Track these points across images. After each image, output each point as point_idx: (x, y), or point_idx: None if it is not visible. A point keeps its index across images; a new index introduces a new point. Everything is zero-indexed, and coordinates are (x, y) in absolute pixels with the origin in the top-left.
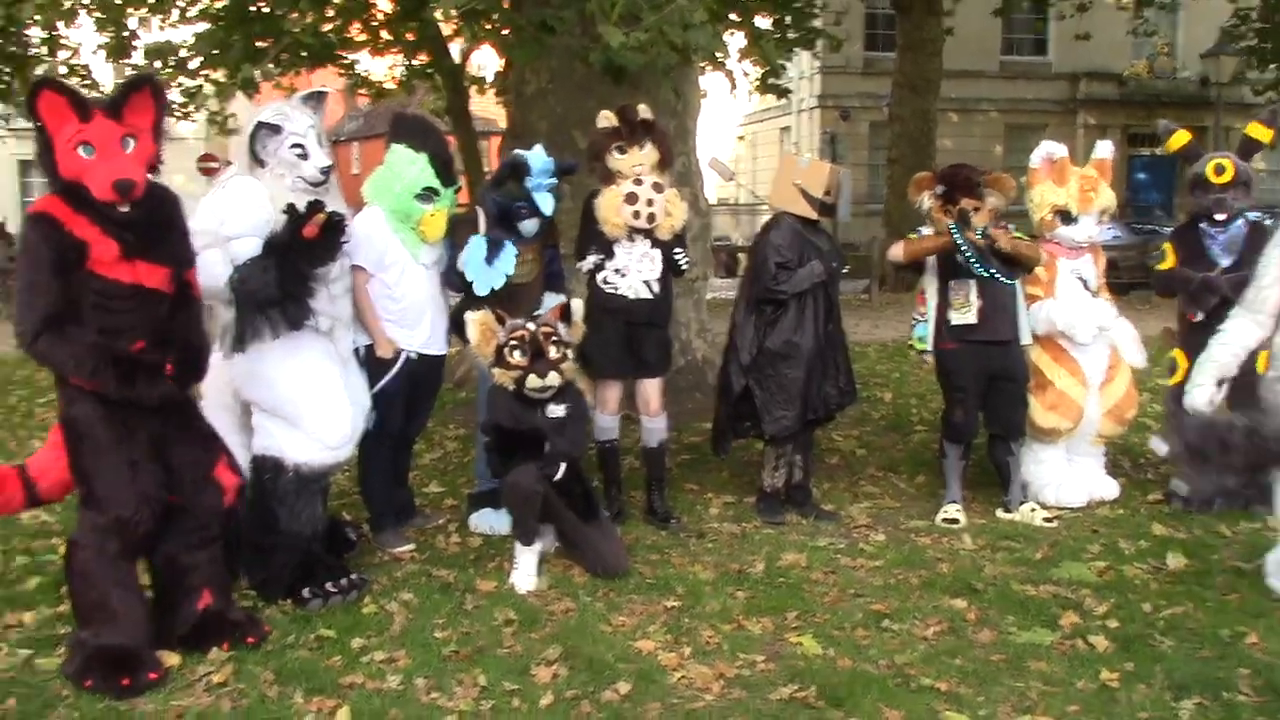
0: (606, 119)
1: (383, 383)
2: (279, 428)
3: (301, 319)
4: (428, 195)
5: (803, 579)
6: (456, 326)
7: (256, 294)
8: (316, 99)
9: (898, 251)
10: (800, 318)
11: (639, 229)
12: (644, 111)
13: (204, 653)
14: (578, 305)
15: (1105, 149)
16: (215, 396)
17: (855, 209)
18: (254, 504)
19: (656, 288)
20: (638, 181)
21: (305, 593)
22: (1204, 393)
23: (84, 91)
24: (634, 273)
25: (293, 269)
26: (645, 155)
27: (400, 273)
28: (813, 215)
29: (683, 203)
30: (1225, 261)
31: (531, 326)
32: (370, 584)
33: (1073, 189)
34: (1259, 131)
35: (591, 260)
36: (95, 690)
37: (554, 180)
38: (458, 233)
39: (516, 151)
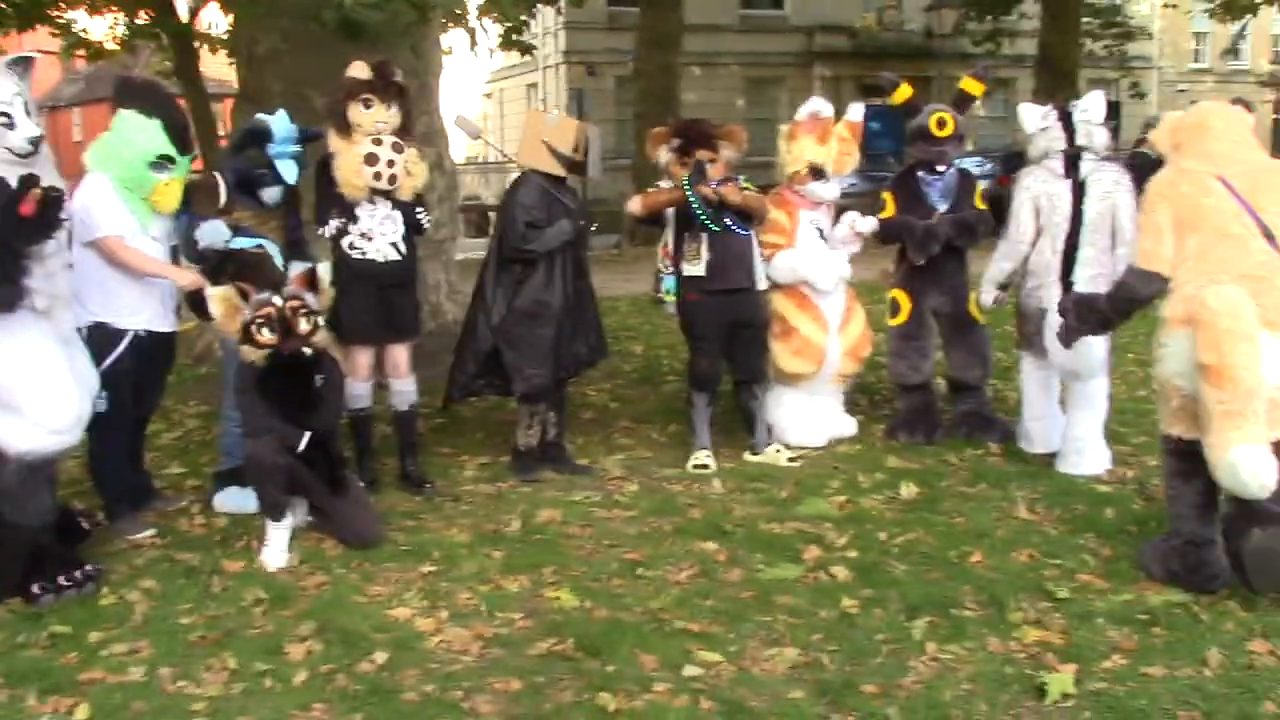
0: (360, 69)
1: (108, 361)
2: (3, 414)
3: (16, 300)
4: (162, 164)
5: (559, 534)
6: (195, 303)
7: None
8: (22, 64)
9: (635, 205)
10: (549, 276)
11: (380, 190)
12: (398, 74)
13: None
14: (324, 270)
15: (857, 111)
16: None
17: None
18: None
19: (404, 248)
20: (377, 141)
21: (35, 588)
22: (989, 296)
23: None
24: (379, 235)
25: (6, 248)
26: (390, 115)
27: (126, 243)
28: (561, 173)
29: (423, 162)
30: (942, 207)
31: (278, 301)
32: (106, 573)
33: (833, 149)
34: (972, 86)
35: (334, 225)
36: None
37: (298, 147)
38: (196, 201)
39: (258, 116)
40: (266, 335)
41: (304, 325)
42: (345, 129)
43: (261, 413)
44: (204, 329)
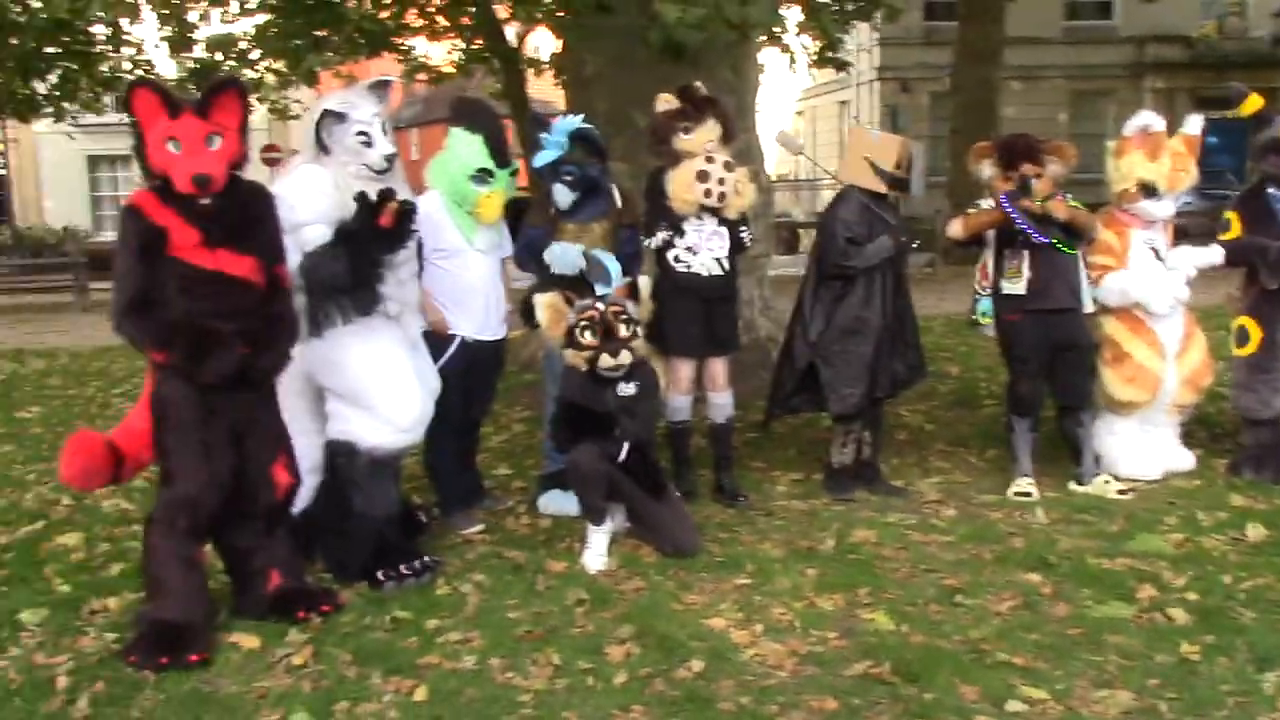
0: (666, 101)
1: (442, 361)
2: (352, 412)
3: (372, 305)
4: (482, 177)
5: (874, 555)
6: (525, 310)
7: (327, 281)
8: (381, 87)
9: (956, 228)
10: (869, 293)
11: (708, 207)
12: (703, 89)
13: (283, 622)
14: (645, 283)
15: (1195, 124)
16: (290, 383)
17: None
18: (329, 488)
19: (726, 264)
20: (709, 159)
21: (380, 575)
22: None
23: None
24: (704, 250)
25: (364, 256)
26: (711, 131)
27: (456, 257)
28: (881, 189)
29: (751, 184)
30: None
31: (601, 306)
32: (443, 566)
33: (1165, 166)
34: None
35: (661, 237)
36: (137, 666)
37: (562, 140)
38: (529, 216)
39: (537, 111)
40: (589, 337)
41: (623, 330)
42: (676, 160)
43: (579, 421)
44: (530, 338)
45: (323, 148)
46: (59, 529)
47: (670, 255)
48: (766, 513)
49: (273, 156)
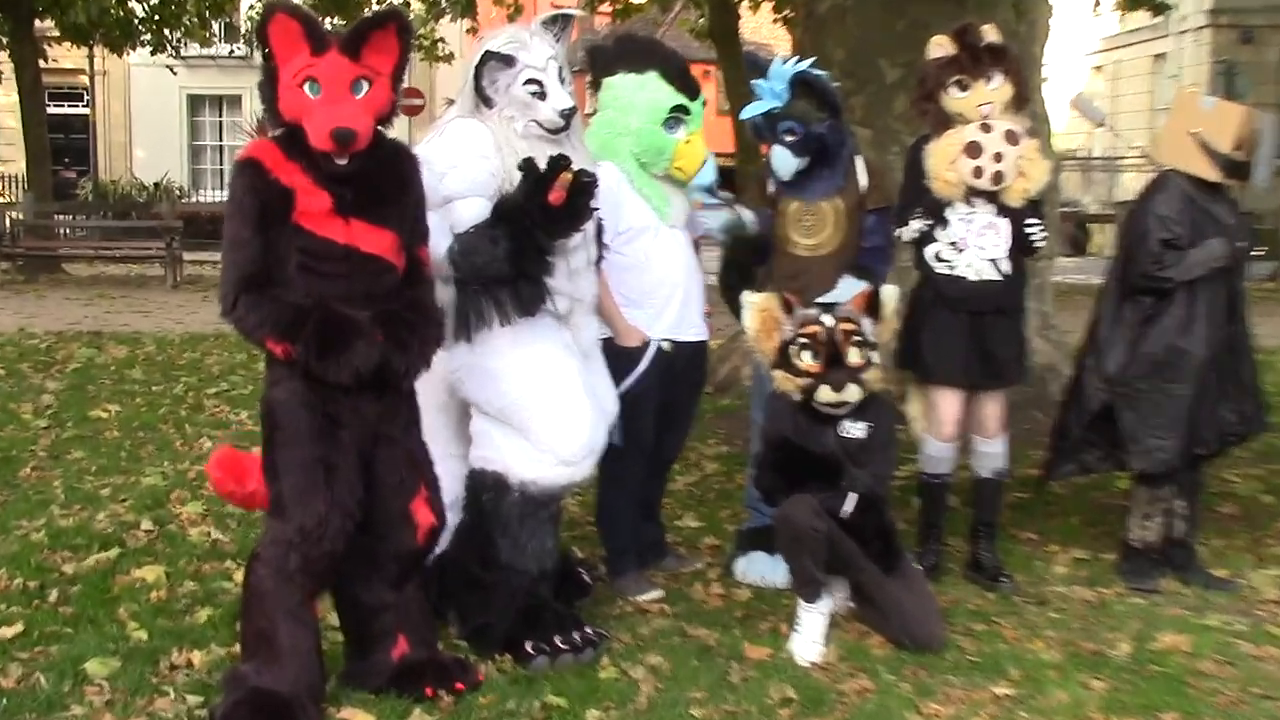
0: (940, 45)
1: (628, 382)
2: (504, 436)
3: (537, 302)
4: (675, 118)
5: (1185, 669)
6: (730, 302)
7: (483, 270)
8: (560, 23)
9: None
10: (1190, 315)
11: (981, 190)
12: (990, 34)
13: (407, 699)
14: (889, 294)
15: None
16: (428, 394)
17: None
18: (469, 531)
19: (1006, 267)
20: (984, 127)
21: (529, 647)
22: None
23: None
24: (973, 248)
25: (530, 241)
26: (994, 92)
27: (646, 239)
28: (1214, 177)
29: (1044, 160)
30: None
31: (829, 320)
32: (609, 641)
33: None
34: None
35: (915, 227)
36: None
37: (781, 88)
38: (745, 192)
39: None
40: (808, 360)
41: (855, 356)
42: (945, 123)
43: (790, 465)
44: (729, 349)
45: (483, 99)
46: (136, 559)
47: (929, 252)
48: (1038, 601)
49: (414, 104)
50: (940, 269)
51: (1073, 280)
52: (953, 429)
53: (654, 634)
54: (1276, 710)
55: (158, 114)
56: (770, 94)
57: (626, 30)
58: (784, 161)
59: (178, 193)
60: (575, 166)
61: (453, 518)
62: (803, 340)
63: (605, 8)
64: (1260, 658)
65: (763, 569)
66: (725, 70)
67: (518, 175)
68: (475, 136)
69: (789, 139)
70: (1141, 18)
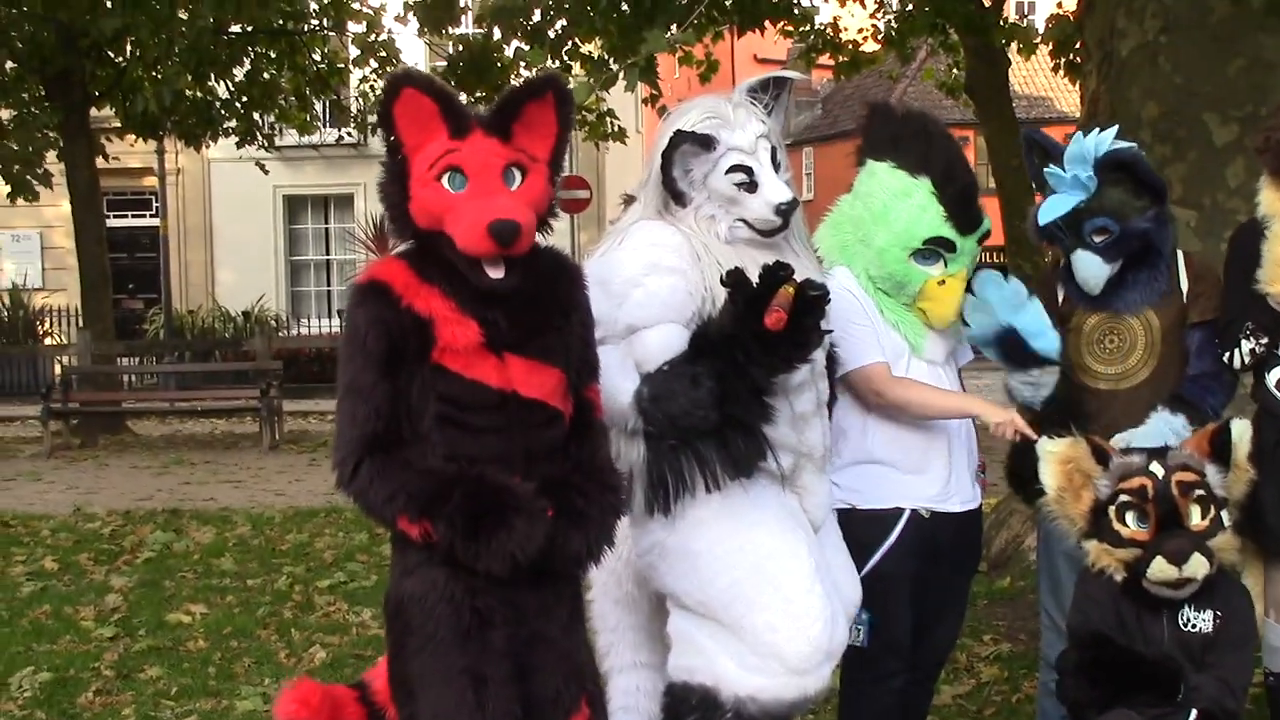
0: None
1: (878, 556)
2: (711, 638)
3: (755, 459)
4: (934, 251)
5: None
6: (1016, 470)
7: (682, 420)
8: (773, 89)
9: None
10: None
11: None
12: None
13: None
14: (1241, 431)
15: None
16: (608, 585)
17: None
18: None
19: None
20: None
21: None
22: None
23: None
24: None
25: (742, 380)
26: None
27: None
28: None
29: None
30: None
31: (1159, 470)
32: None
33: None
34: None
35: (1250, 347)
36: None
37: (1086, 174)
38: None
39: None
40: (1134, 525)
41: (1198, 517)
42: None
43: (1110, 670)
44: (1006, 512)
45: (674, 194)
46: None
47: (1273, 378)
48: None
49: (578, 197)
50: None
51: None
52: None
53: None
54: None
55: (246, 223)
56: (1071, 185)
57: (920, 109)
58: (1094, 270)
59: (274, 324)
60: (798, 276)
61: None
62: (1126, 498)
63: (825, 60)
64: None
65: None
66: (988, 135)
67: (722, 293)
68: (666, 244)
69: (1099, 240)
70: None
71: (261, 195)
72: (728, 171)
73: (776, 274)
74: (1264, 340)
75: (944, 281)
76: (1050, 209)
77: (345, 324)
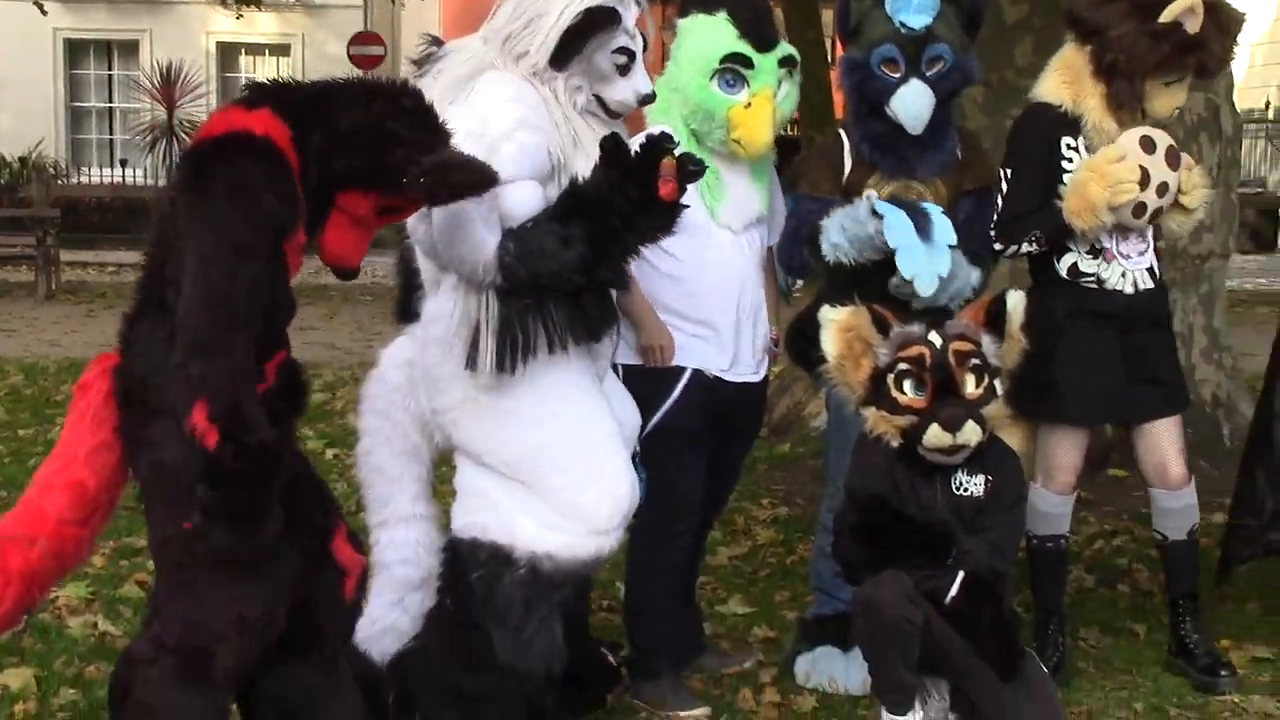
0: (1191, 11)
1: (661, 412)
2: (510, 495)
3: (608, 325)
4: (733, 72)
5: None
6: (796, 340)
7: (547, 280)
8: None
9: None
10: None
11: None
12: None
13: None
14: (1016, 302)
15: None
16: (393, 437)
17: None
18: (450, 621)
19: (1158, 274)
20: (1146, 145)
21: None
22: None
23: None
24: (1122, 257)
25: (616, 246)
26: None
27: (688, 243)
28: None
29: (1204, 183)
30: None
31: (937, 339)
32: None
33: None
34: None
35: (1026, 249)
36: None
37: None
38: (802, 175)
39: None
40: (910, 393)
41: (973, 385)
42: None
43: (883, 532)
44: (789, 379)
45: (560, 59)
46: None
47: (1064, 264)
48: (1200, 714)
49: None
50: (1085, 282)
51: (1253, 285)
52: (1071, 477)
53: None
54: None
55: (23, 67)
56: (919, 6)
57: None
58: (925, 103)
59: (52, 172)
60: (678, 149)
61: (426, 597)
62: (904, 366)
63: None
64: None
65: (833, 669)
66: (785, 8)
67: (574, 160)
68: (526, 101)
69: (932, 72)
70: None
71: (40, 37)
72: (614, 51)
73: (661, 145)
74: (1044, 245)
75: (750, 104)
76: (912, 11)
77: (219, 190)
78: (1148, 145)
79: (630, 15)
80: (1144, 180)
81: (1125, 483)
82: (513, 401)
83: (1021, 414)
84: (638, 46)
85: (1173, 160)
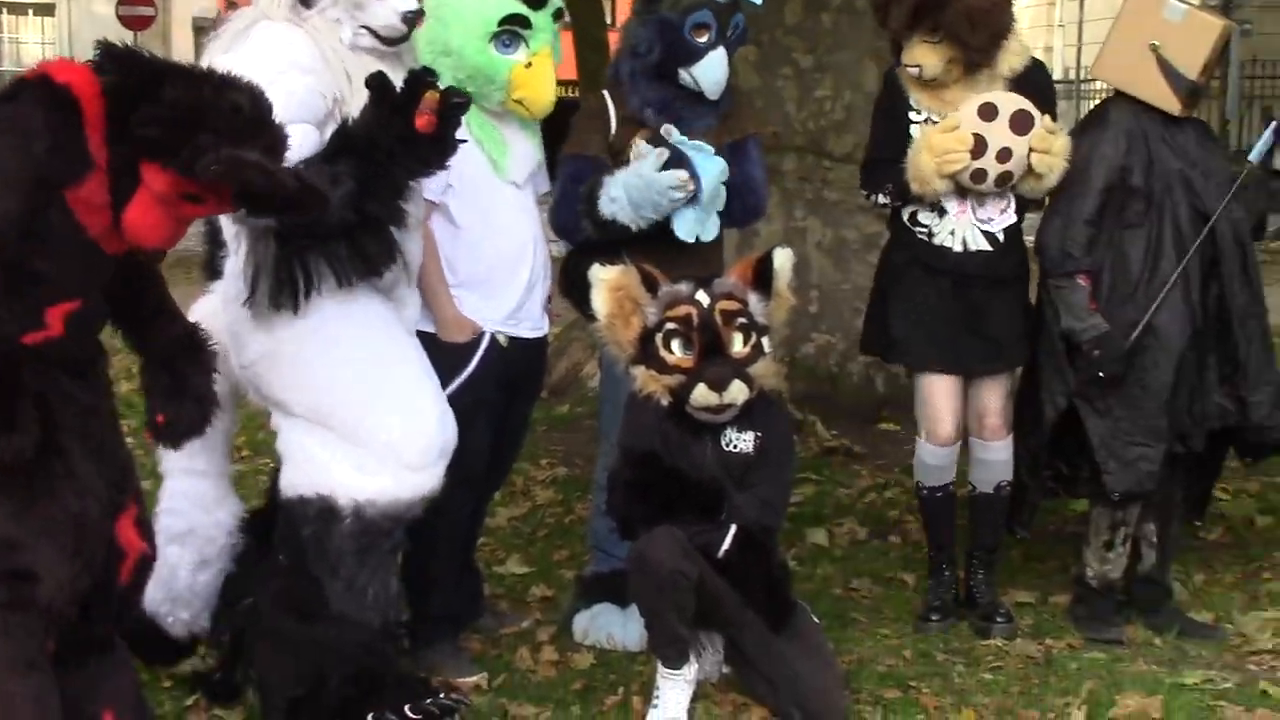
0: None
1: (457, 383)
2: (323, 446)
3: (386, 260)
4: (510, 34)
5: None
6: (570, 290)
7: (319, 219)
8: None
9: None
10: (1152, 276)
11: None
12: None
13: None
14: (783, 260)
15: None
16: None
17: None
18: (284, 577)
19: (1001, 236)
20: (987, 112)
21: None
22: None
23: None
24: (961, 215)
25: (385, 180)
26: (926, 54)
27: (478, 200)
28: (1176, 107)
29: (1065, 137)
30: None
31: (704, 298)
32: (468, 706)
33: None
34: None
35: (882, 200)
36: None
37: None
38: (573, 136)
39: None
40: (678, 352)
41: (739, 344)
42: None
43: (655, 489)
44: (567, 340)
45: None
46: None
47: (906, 214)
48: (967, 659)
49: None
50: (920, 234)
51: None
52: (951, 426)
53: (468, 717)
54: None
55: None
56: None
57: None
58: (723, 72)
59: None
60: (442, 83)
61: (185, 553)
62: (671, 326)
63: None
64: None
65: (610, 626)
66: None
67: (361, 95)
68: (295, 46)
69: (733, 38)
70: None
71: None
72: None
73: (423, 79)
74: (898, 200)
75: (530, 64)
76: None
77: None
78: (988, 112)
79: None
80: (980, 147)
81: (897, 436)
82: (312, 350)
83: (866, 353)
84: None
85: (1019, 125)
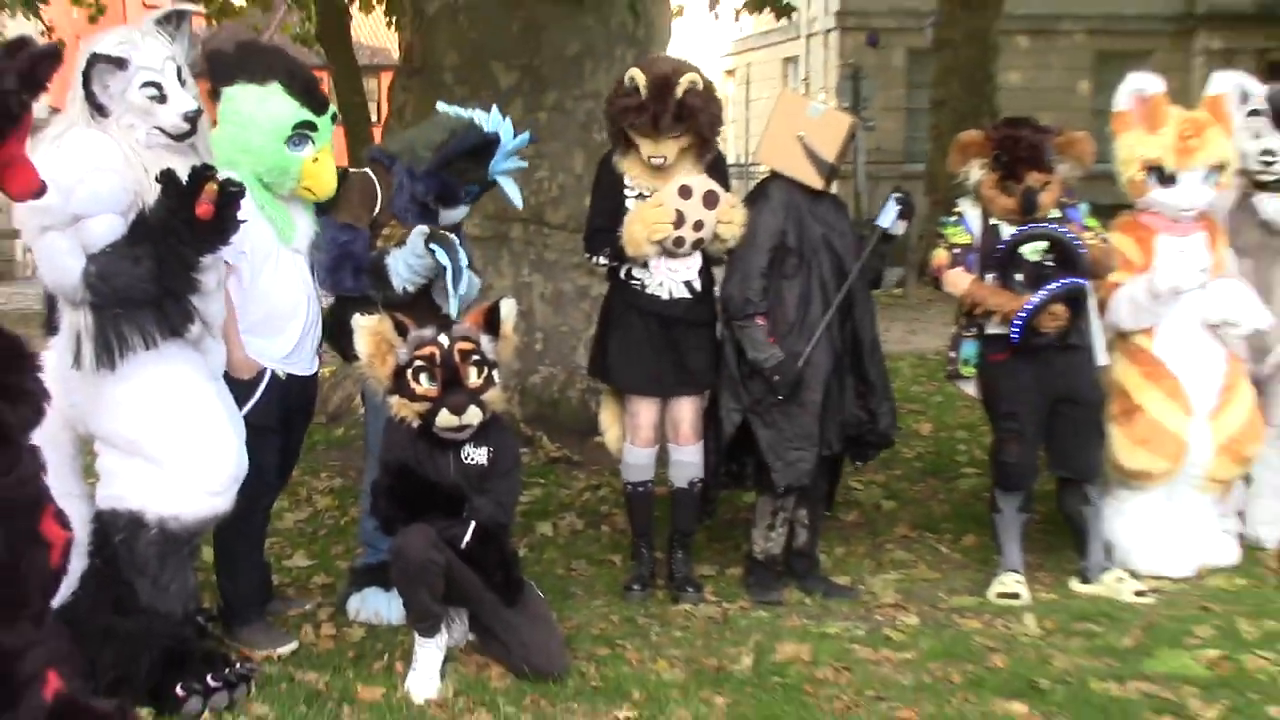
0: (633, 79)
1: (246, 411)
2: (135, 470)
3: (185, 322)
4: (301, 135)
5: (804, 677)
6: (334, 336)
7: (126, 293)
8: (175, 21)
9: (955, 284)
10: (804, 317)
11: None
12: (688, 82)
13: None
14: (508, 309)
15: (1224, 82)
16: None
17: (888, 169)
18: (100, 577)
19: (698, 285)
20: (684, 192)
21: (179, 689)
22: None
23: None
24: (667, 273)
25: (177, 258)
26: (669, 147)
27: (265, 263)
28: (818, 184)
29: (742, 209)
30: None
31: (444, 340)
32: (258, 672)
33: (1168, 137)
34: None
35: (604, 260)
36: None
37: (522, 163)
38: (340, 206)
39: (473, 116)
40: (425, 384)
41: (473, 376)
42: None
43: (409, 494)
44: (341, 376)
45: (96, 107)
46: None
47: (624, 267)
48: (662, 621)
49: None
50: (633, 284)
51: None
52: (650, 434)
53: (260, 682)
54: (889, 711)
55: None
56: (511, 170)
57: (249, 37)
58: (462, 214)
59: None
60: (220, 174)
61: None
62: (419, 363)
63: (198, 7)
64: (876, 661)
65: (377, 605)
66: (335, 76)
67: (154, 188)
68: (99, 148)
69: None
70: (772, 20)
71: None
72: (141, 86)
73: (202, 173)
74: (615, 261)
75: (317, 159)
76: (514, 194)
77: None
78: (685, 192)
79: (146, 55)
80: (680, 220)
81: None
82: (123, 390)
83: (592, 377)
84: (166, 78)
85: (709, 202)
